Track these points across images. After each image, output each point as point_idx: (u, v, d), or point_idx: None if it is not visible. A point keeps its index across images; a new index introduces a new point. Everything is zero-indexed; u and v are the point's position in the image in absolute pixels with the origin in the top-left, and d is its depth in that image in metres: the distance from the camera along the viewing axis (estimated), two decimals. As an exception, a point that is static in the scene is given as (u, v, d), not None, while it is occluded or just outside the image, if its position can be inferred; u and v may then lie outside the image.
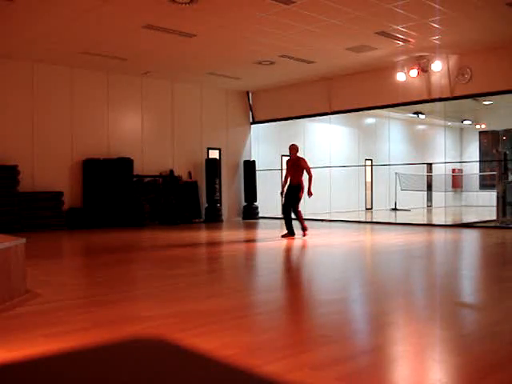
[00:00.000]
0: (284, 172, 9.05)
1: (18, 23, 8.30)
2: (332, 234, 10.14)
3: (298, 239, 8.70)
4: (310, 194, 8.76)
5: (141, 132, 12.44)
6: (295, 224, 8.87)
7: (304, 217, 9.07)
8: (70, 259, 7.28)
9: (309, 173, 8.78)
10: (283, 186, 9.03)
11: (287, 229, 8.89)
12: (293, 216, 8.92)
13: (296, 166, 8.85)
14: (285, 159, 15.28)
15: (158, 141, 12.68)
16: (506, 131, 18.53)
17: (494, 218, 11.94)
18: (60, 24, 8.36)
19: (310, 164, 9.00)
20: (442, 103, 11.50)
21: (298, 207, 8.90)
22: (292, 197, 8.81)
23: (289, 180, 8.95)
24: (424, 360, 2.73)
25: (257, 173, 14.22)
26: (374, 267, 6.30)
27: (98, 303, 4.05)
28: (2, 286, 3.92)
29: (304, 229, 8.96)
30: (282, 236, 8.88)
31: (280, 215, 14.87)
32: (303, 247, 7.92)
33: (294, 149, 8.97)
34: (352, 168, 15.85)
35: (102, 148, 11.67)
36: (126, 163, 11.65)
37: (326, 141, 15.35)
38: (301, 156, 9.05)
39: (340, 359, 2.67)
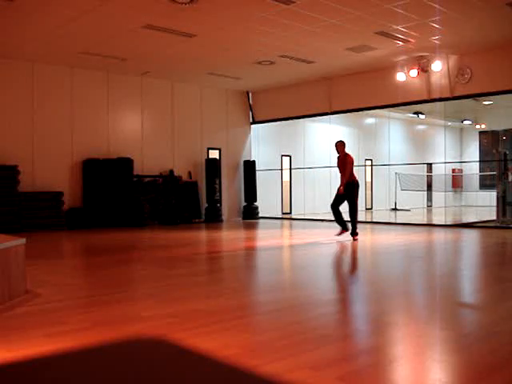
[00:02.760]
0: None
1: (18, 23, 8.30)
2: (332, 234, 10.12)
3: (299, 239, 8.68)
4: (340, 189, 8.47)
5: (141, 132, 12.44)
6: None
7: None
8: (69, 259, 7.28)
9: (346, 169, 8.40)
10: (341, 185, 8.50)
11: (339, 224, 8.61)
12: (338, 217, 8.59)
13: (342, 164, 8.54)
14: (285, 159, 15.33)
15: (158, 141, 12.68)
16: (506, 131, 18.53)
17: (494, 217, 11.93)
18: (60, 24, 8.36)
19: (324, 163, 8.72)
20: (441, 103, 11.50)
21: (355, 206, 8.47)
22: (343, 195, 8.43)
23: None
24: (424, 360, 2.73)
25: (257, 173, 14.21)
26: (373, 267, 6.30)
27: (97, 303, 4.05)
28: (2, 285, 3.92)
29: (354, 232, 8.51)
30: (337, 235, 8.66)
31: (280, 215, 14.93)
32: (303, 247, 7.91)
33: (339, 146, 8.61)
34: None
35: (102, 148, 11.67)
36: (126, 163, 11.64)
37: (326, 141, 15.34)
38: (347, 152, 8.63)
39: (340, 359, 2.67)
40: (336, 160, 8.80)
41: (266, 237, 9.84)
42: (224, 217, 13.59)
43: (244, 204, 14.29)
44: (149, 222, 12.05)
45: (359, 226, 8.88)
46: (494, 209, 12.06)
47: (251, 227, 11.98)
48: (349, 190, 8.44)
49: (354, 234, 8.56)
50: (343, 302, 4.17)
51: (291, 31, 8.88)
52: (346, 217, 8.63)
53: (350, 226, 8.59)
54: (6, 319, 3.56)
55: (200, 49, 9.93)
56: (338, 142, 8.75)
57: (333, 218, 8.78)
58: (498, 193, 11.83)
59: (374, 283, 5.07)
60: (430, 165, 18.37)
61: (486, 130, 19.56)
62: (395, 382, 2.46)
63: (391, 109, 13.45)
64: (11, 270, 4.08)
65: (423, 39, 9.47)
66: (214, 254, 7.56)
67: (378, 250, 7.86)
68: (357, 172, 16.67)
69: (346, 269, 6.15)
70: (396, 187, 16.94)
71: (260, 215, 14.23)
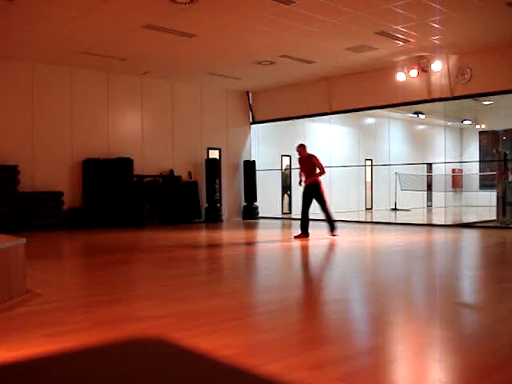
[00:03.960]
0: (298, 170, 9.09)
1: (18, 23, 8.30)
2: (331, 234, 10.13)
3: (295, 240, 8.69)
4: (301, 182, 8.85)
5: (141, 132, 12.44)
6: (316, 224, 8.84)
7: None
8: (69, 259, 7.28)
9: (321, 169, 8.70)
10: (300, 179, 8.89)
11: (301, 229, 8.82)
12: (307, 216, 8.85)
13: (308, 164, 8.78)
14: (285, 159, 15.32)
15: (158, 141, 12.68)
16: (506, 131, 18.53)
17: (494, 218, 11.93)
18: (60, 24, 8.36)
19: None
20: (441, 103, 11.50)
21: (326, 205, 8.72)
22: (310, 196, 8.72)
23: (304, 179, 8.85)
24: (424, 360, 2.73)
25: (257, 173, 14.22)
26: (374, 267, 6.30)
27: (98, 303, 4.05)
28: (2, 286, 3.92)
29: (333, 228, 8.80)
30: (295, 237, 8.83)
31: (280, 215, 14.92)
32: (303, 247, 7.92)
33: (301, 149, 8.92)
34: (352, 168, 15.85)
35: (102, 148, 11.67)
36: (126, 163, 11.65)
37: (326, 141, 15.34)
38: (312, 154, 8.91)
39: (340, 359, 2.67)
40: (298, 162, 9.06)
41: (266, 237, 9.84)
42: (224, 217, 13.60)
43: (244, 204, 14.29)
44: (149, 222, 12.05)
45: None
46: (494, 209, 12.07)
47: (251, 227, 11.98)
48: (314, 191, 8.70)
49: (333, 230, 8.78)
50: (343, 302, 4.17)
51: (291, 31, 8.88)
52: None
53: (307, 230, 8.86)
54: (6, 319, 3.56)
55: (200, 49, 9.93)
56: (299, 145, 9.04)
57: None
58: (498, 193, 11.83)
59: (373, 283, 5.07)
60: (430, 165, 18.37)
61: (486, 130, 19.55)
62: (395, 382, 2.46)
63: (391, 109, 13.45)
64: (11, 269, 4.08)
65: (423, 39, 9.47)
66: (213, 253, 7.57)
67: (377, 249, 7.87)
68: (357, 172, 16.60)
69: (346, 269, 6.15)
70: (396, 187, 16.93)
71: (260, 215, 14.23)
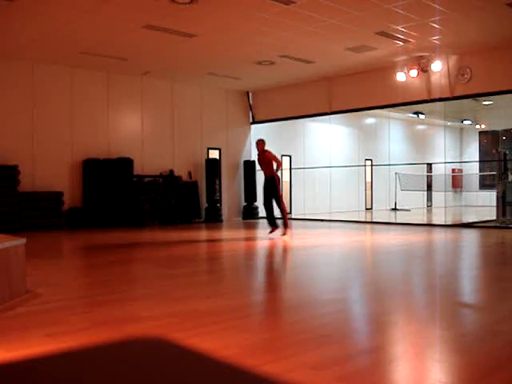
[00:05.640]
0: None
1: (18, 23, 8.30)
2: (332, 234, 10.14)
3: (299, 239, 8.69)
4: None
5: (141, 132, 12.43)
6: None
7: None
8: (70, 259, 7.28)
9: (277, 161, 9.00)
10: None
11: (269, 222, 9.09)
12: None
13: (263, 160, 9.08)
14: (285, 159, 15.33)
15: (158, 141, 12.68)
16: (506, 131, 18.52)
17: (494, 217, 11.93)
18: (60, 24, 8.36)
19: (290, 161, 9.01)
20: (441, 103, 11.50)
21: (281, 200, 9.03)
22: (269, 189, 9.01)
23: (263, 174, 9.19)
24: (424, 360, 2.73)
25: (257, 173, 14.21)
26: (373, 267, 6.30)
27: (97, 303, 4.05)
28: (2, 285, 3.92)
29: (285, 225, 9.04)
30: (270, 232, 9.10)
31: (280, 215, 14.90)
32: (303, 247, 7.92)
33: (259, 145, 9.18)
34: (352, 168, 15.85)
35: (102, 148, 11.67)
36: (126, 163, 11.65)
37: (326, 141, 15.34)
38: (266, 149, 9.19)
39: (340, 359, 2.67)
40: (257, 157, 9.32)
41: (266, 237, 9.83)
42: (224, 217, 13.59)
43: (244, 204, 14.29)
44: (149, 222, 12.05)
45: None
46: (494, 209, 12.07)
47: (251, 227, 11.97)
48: (270, 186, 8.99)
49: (285, 227, 9.03)
50: (343, 302, 4.17)
51: (291, 31, 8.88)
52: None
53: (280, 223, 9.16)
54: (6, 319, 3.56)
55: (200, 49, 9.93)
56: (258, 140, 9.30)
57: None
58: (497, 193, 11.83)
59: (373, 283, 5.07)
60: (429, 165, 18.38)
61: (486, 130, 19.55)
62: (395, 381, 2.46)
63: (391, 109, 13.46)
64: (11, 269, 4.08)
65: (423, 39, 9.47)
66: (213, 253, 7.56)
67: (377, 249, 7.86)
68: (357, 172, 16.60)
69: (346, 268, 6.15)
70: (396, 187, 16.94)
71: (260, 215, 14.22)
